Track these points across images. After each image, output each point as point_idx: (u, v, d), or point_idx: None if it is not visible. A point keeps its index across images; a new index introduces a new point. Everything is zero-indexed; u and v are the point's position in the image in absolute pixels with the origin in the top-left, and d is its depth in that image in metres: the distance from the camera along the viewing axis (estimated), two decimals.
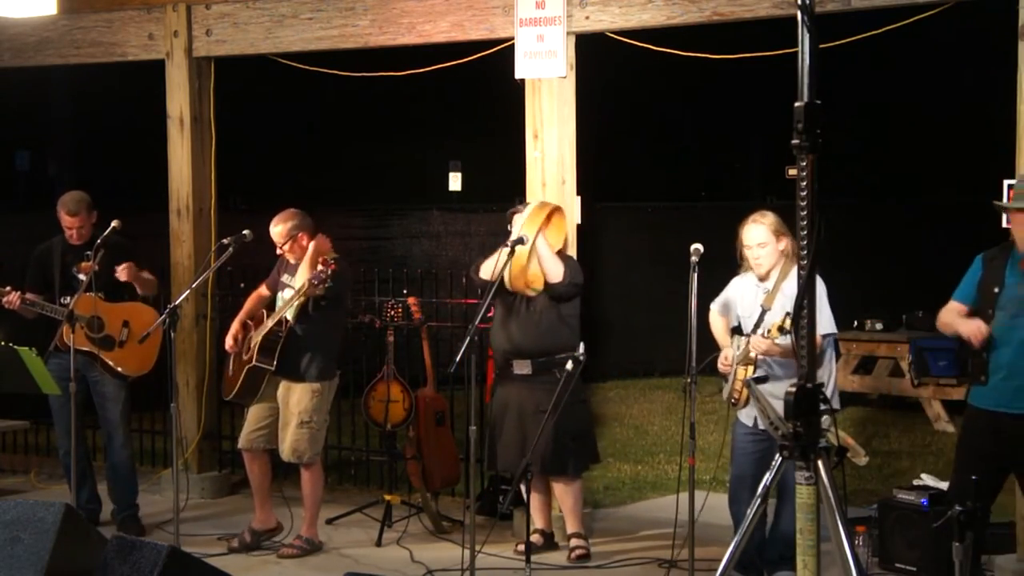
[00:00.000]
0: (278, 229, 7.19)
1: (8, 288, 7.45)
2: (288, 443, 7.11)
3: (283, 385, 7.15)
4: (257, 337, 7.11)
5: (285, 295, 7.17)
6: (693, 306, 5.94)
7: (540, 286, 6.93)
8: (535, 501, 7.05)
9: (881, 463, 9.50)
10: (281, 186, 16.92)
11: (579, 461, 7.14)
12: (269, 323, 7.09)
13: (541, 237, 6.86)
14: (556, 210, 7.06)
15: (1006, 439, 5.68)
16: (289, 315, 7.06)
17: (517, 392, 6.98)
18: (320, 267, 6.90)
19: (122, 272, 7.49)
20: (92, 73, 10.75)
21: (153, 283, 7.78)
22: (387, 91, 13.31)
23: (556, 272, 6.90)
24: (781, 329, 5.87)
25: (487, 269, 6.91)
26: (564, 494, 7.12)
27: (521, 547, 6.95)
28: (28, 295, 7.48)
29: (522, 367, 6.94)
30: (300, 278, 7.03)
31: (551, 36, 7.36)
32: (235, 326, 7.30)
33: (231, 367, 7.29)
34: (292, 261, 7.23)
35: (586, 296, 7.22)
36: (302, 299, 6.99)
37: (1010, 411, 5.65)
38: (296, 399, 7.11)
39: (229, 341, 7.25)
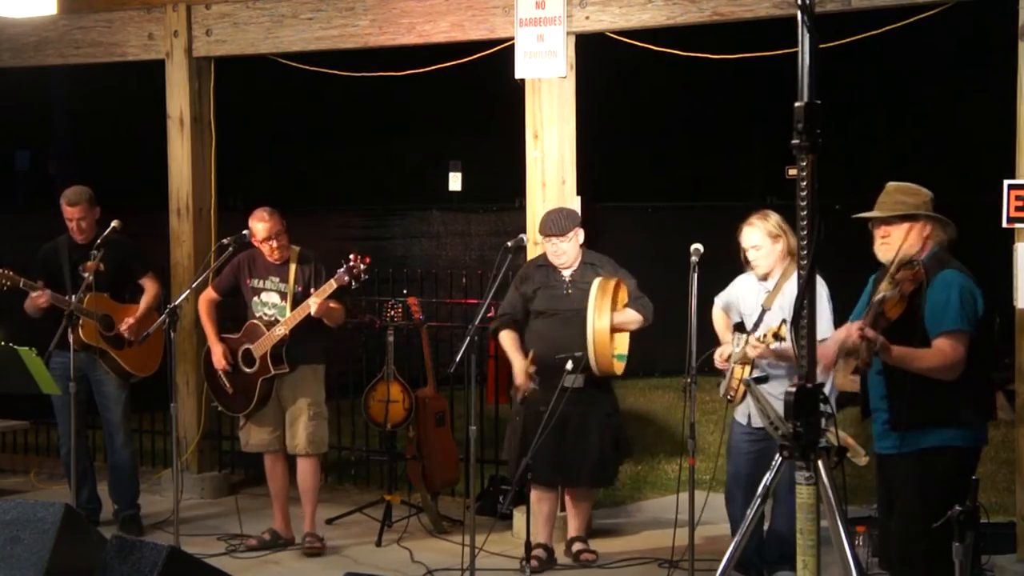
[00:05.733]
0: (267, 224, 7.02)
1: (40, 283, 7.41)
2: (304, 435, 7.14)
3: (287, 381, 7.14)
4: (264, 348, 7.01)
5: (266, 298, 7.10)
6: (693, 306, 5.93)
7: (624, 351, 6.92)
8: (544, 511, 6.89)
9: None
10: (281, 186, 16.95)
11: (616, 469, 7.17)
12: (280, 332, 6.96)
13: (610, 316, 6.76)
14: (617, 285, 6.91)
15: (884, 479, 5.19)
16: (286, 316, 7.01)
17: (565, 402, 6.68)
18: (352, 261, 6.84)
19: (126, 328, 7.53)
20: (92, 73, 10.75)
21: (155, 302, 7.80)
22: (387, 91, 13.32)
23: (637, 321, 6.95)
24: (776, 335, 5.87)
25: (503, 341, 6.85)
26: (586, 501, 7.10)
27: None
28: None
29: (574, 379, 6.56)
30: (294, 279, 7.01)
31: (551, 36, 7.36)
32: (219, 346, 7.17)
33: (228, 384, 7.20)
34: (273, 261, 7.12)
35: None
36: (320, 299, 6.85)
37: (880, 451, 5.15)
38: (303, 387, 7.13)
39: (223, 362, 7.13)
